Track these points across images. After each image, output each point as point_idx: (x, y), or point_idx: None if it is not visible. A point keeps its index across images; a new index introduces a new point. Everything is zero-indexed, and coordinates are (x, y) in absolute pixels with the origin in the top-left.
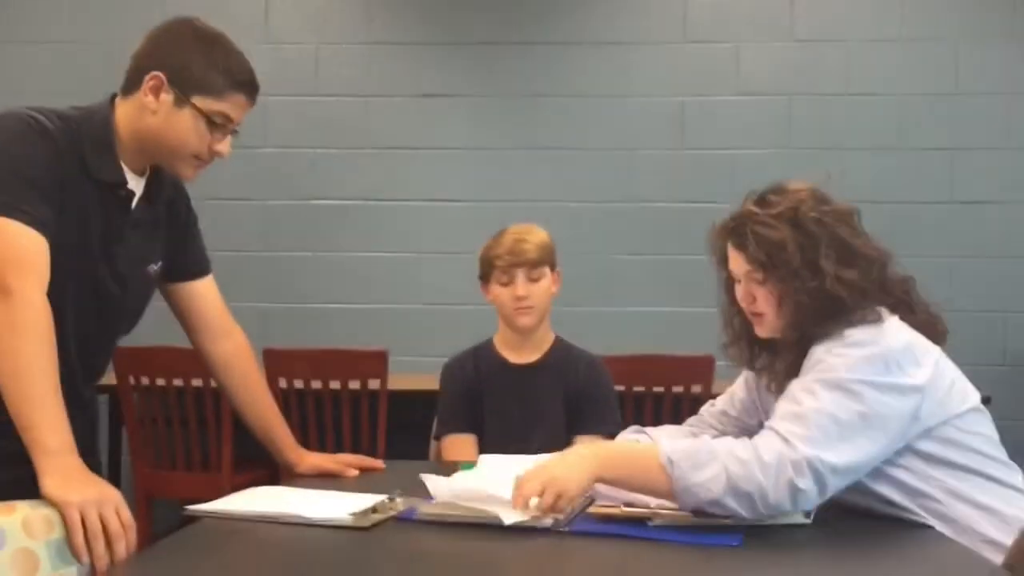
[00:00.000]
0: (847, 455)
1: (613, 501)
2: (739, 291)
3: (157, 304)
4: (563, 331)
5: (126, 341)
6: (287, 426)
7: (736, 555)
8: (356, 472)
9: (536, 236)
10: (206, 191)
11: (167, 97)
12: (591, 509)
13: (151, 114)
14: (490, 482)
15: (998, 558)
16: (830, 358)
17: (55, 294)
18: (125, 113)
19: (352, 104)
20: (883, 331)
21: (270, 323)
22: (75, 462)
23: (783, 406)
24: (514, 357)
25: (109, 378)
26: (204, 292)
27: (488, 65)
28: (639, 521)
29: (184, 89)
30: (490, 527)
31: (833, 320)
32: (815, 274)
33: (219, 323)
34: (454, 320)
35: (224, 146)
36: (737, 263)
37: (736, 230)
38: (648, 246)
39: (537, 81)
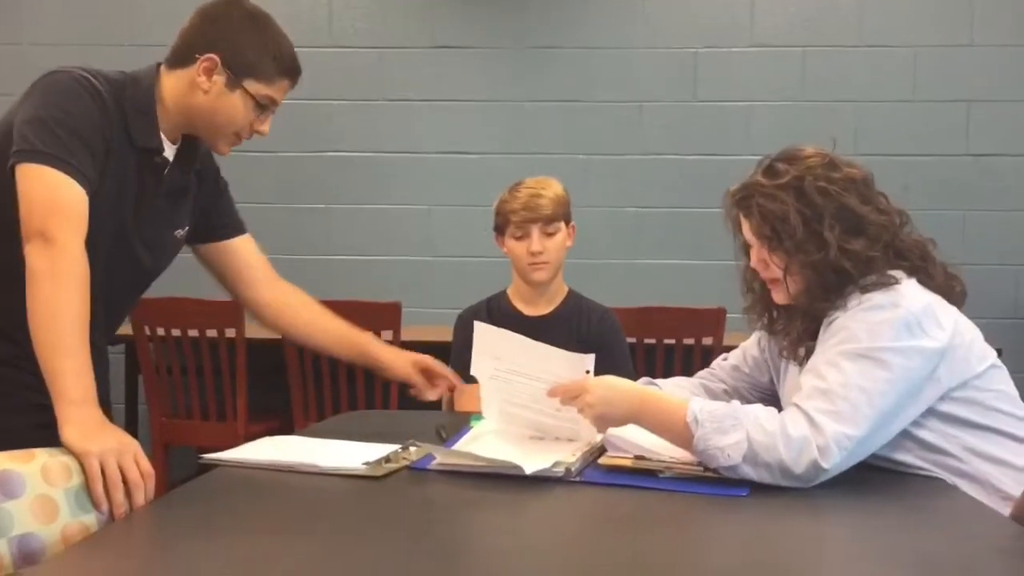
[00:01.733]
0: (874, 425)
1: (625, 453)
2: (753, 257)
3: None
4: (574, 283)
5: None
6: (370, 335)
7: (743, 505)
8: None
9: (551, 190)
10: None
11: (219, 79)
12: (602, 460)
13: (202, 93)
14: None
15: None
16: (852, 324)
17: (90, 250)
18: (172, 86)
19: (366, 55)
20: (902, 293)
21: (283, 274)
22: (96, 413)
23: (808, 381)
24: (527, 309)
25: (125, 328)
26: (241, 248)
27: (501, 17)
28: (650, 473)
29: (237, 72)
30: (501, 476)
31: (840, 290)
32: (820, 246)
33: (264, 273)
34: (467, 272)
35: (265, 126)
36: (747, 232)
37: (743, 201)
38: (660, 199)
39: (550, 33)
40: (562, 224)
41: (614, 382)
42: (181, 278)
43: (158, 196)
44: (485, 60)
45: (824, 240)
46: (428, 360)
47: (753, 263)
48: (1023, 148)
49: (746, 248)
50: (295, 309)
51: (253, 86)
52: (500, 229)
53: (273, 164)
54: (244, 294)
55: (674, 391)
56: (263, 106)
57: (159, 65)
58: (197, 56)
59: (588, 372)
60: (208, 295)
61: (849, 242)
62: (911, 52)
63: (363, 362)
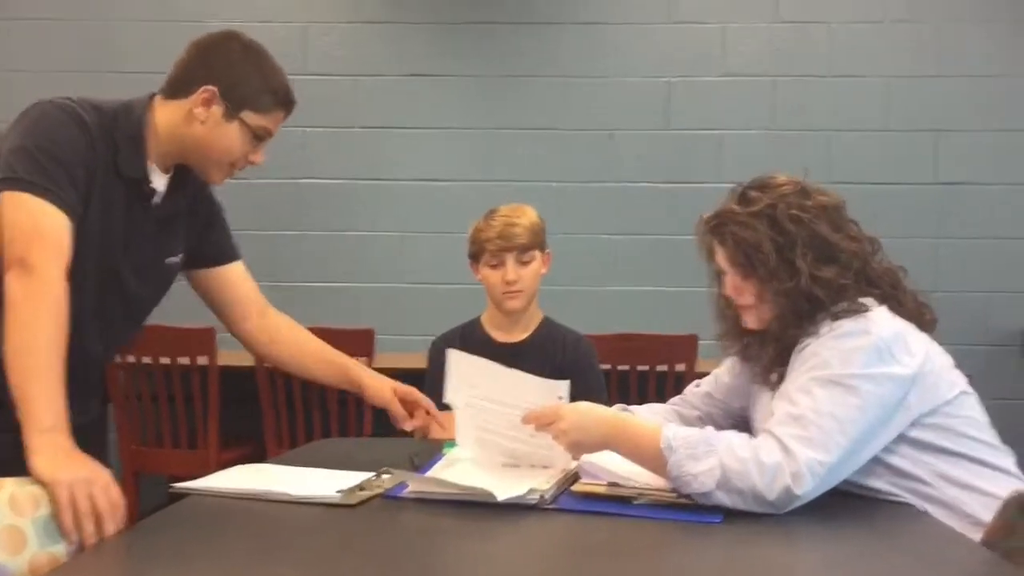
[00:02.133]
0: (846, 451)
1: (598, 480)
2: (727, 284)
3: None
4: (548, 310)
5: None
6: (355, 360)
7: (717, 531)
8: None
9: (526, 218)
10: None
11: (217, 109)
12: (576, 488)
13: (199, 123)
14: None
15: None
16: (824, 351)
17: (76, 279)
18: (168, 116)
19: (341, 83)
20: (872, 320)
21: None
22: (66, 441)
23: (780, 407)
24: (501, 336)
25: None
26: (234, 276)
27: (475, 45)
28: (624, 500)
29: (235, 104)
30: (475, 504)
31: (812, 317)
32: (792, 274)
33: (255, 301)
34: (440, 299)
35: (259, 156)
36: (721, 259)
37: (717, 228)
38: (633, 226)
39: (524, 61)
40: (537, 252)
41: (588, 408)
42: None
43: (147, 223)
44: (459, 88)
45: (796, 268)
46: (409, 389)
47: (727, 290)
48: (991, 176)
49: (719, 275)
50: (282, 342)
51: (250, 117)
52: (475, 257)
53: (247, 191)
54: (234, 327)
55: (648, 417)
56: (259, 137)
57: (153, 95)
58: (195, 87)
59: (562, 398)
60: (180, 322)
61: (821, 270)
62: (880, 82)
63: (347, 386)
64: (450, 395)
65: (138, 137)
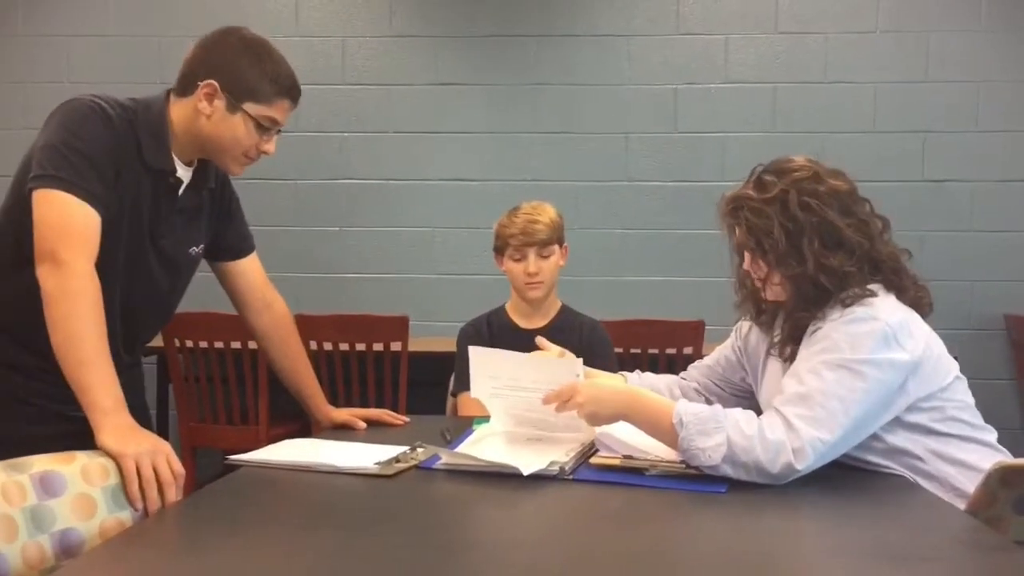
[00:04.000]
0: (847, 431)
1: (614, 453)
2: (747, 259)
3: (199, 274)
4: (566, 298)
5: None
6: (319, 387)
7: (721, 501)
8: (364, 425)
9: (546, 215)
10: (245, 172)
11: (220, 103)
12: (593, 460)
13: (205, 118)
14: (503, 445)
15: None
16: (835, 335)
17: (105, 268)
18: (179, 112)
19: (376, 92)
20: (881, 306)
21: (302, 292)
22: (127, 419)
23: (790, 386)
24: (524, 323)
25: (156, 341)
26: (245, 270)
27: (498, 56)
28: (637, 471)
29: (236, 96)
30: (501, 475)
31: (819, 303)
32: (800, 260)
33: (260, 297)
34: (468, 289)
35: (270, 146)
36: (738, 239)
37: (733, 212)
38: (644, 221)
39: (543, 70)
40: (556, 247)
41: (603, 382)
42: (206, 294)
43: (173, 214)
44: (484, 96)
45: (803, 255)
46: (343, 418)
47: (747, 265)
48: (974, 174)
49: (740, 249)
50: (269, 338)
51: (253, 108)
52: (499, 251)
53: (291, 191)
54: (237, 311)
55: (653, 383)
56: (265, 127)
57: (169, 92)
58: (198, 83)
59: (578, 376)
60: (232, 309)
61: (827, 257)
62: (872, 87)
63: (303, 406)
64: (476, 390)
65: (160, 131)
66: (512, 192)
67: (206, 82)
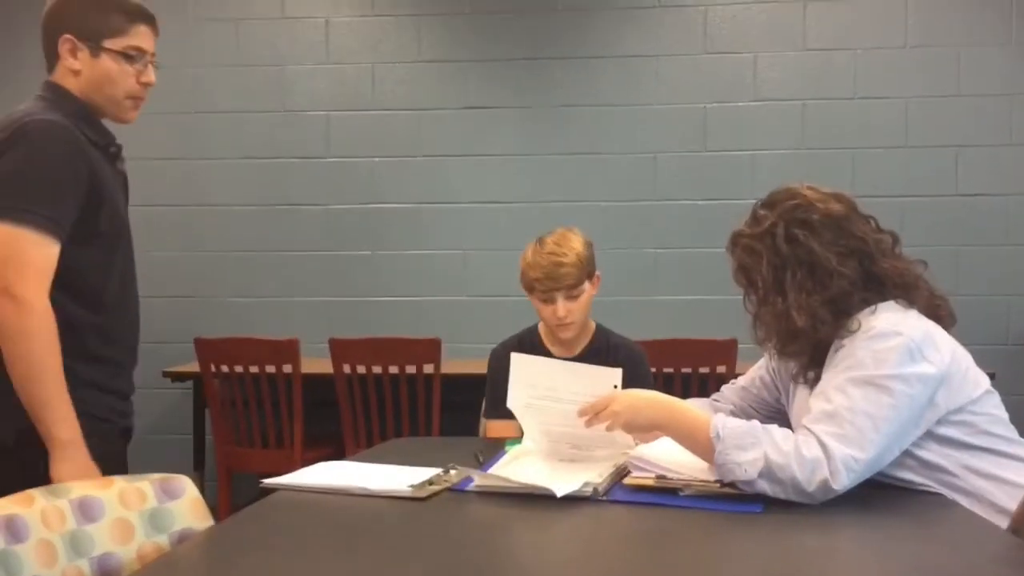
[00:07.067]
0: (880, 447)
1: (647, 473)
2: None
3: (235, 299)
4: (597, 317)
5: (207, 333)
6: None
7: (757, 521)
8: None
9: (572, 252)
10: (277, 197)
11: (83, 53)
12: (627, 481)
13: (78, 75)
14: (536, 466)
15: None
16: (858, 352)
17: (113, 263)
18: (65, 84)
19: (405, 117)
20: (903, 321)
21: (334, 316)
22: (83, 453)
23: (818, 405)
24: (557, 350)
25: (193, 366)
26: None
27: (527, 79)
28: (671, 491)
29: (94, 39)
30: (534, 496)
31: (799, 339)
32: (782, 297)
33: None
34: (500, 310)
35: (149, 76)
36: (732, 275)
37: (731, 248)
38: (674, 240)
39: (572, 92)
40: (586, 284)
41: (640, 392)
42: (242, 320)
43: (118, 180)
44: (513, 119)
45: (785, 291)
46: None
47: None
48: (1008, 188)
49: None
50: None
51: (113, 43)
52: (527, 289)
53: (324, 216)
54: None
55: (721, 416)
56: (133, 57)
57: (47, 81)
58: (57, 46)
59: (616, 386)
60: (266, 334)
61: (808, 294)
62: (903, 103)
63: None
64: (512, 400)
65: (80, 108)
66: (542, 214)
67: (62, 38)
